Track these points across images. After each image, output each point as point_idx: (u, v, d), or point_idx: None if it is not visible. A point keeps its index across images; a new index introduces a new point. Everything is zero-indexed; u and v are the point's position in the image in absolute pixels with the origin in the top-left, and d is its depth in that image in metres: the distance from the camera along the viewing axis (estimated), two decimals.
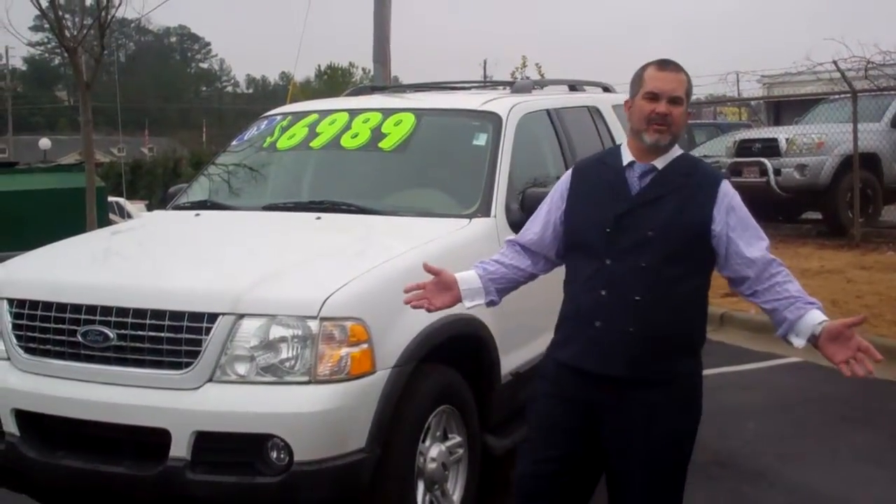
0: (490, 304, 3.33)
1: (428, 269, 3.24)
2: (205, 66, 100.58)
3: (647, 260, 3.04)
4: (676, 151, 3.19)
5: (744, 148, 14.20)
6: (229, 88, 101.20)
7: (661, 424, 3.09)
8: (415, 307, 3.25)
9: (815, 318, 3.00)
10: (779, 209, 14.24)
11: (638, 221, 3.07)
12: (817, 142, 13.03)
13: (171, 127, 74.42)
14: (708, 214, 3.08)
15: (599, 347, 3.08)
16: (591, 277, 3.11)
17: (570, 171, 3.36)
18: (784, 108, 19.64)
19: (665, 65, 3.13)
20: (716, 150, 16.27)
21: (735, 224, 3.10)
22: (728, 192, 3.13)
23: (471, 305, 3.30)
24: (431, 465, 3.99)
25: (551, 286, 4.87)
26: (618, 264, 3.06)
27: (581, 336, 3.13)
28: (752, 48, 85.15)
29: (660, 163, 3.14)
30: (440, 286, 3.24)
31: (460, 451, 4.18)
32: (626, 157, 3.18)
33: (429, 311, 3.27)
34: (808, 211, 14.47)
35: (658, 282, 3.04)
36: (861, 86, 13.59)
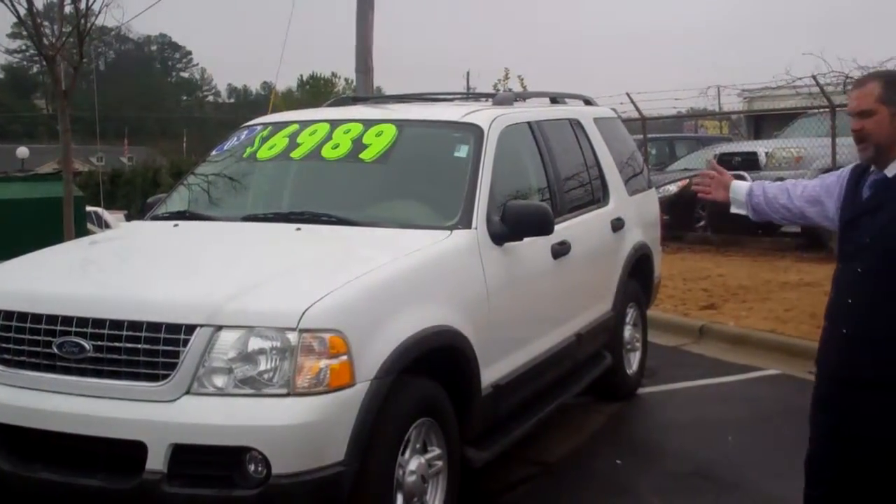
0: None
1: (714, 168, 3.82)
2: (185, 75, 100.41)
3: (862, 266, 3.13)
4: None
5: (724, 161, 14.18)
6: (210, 98, 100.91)
7: (878, 429, 3.20)
8: (697, 192, 3.88)
9: None
10: (758, 222, 14.25)
11: (859, 228, 3.17)
12: (796, 156, 13.11)
13: (151, 136, 74.04)
14: None
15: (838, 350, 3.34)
16: (835, 280, 3.31)
17: (849, 169, 3.42)
18: (764, 122, 19.76)
19: (855, 85, 3.27)
20: (696, 163, 16.35)
21: None
22: None
23: (735, 212, 3.82)
24: (411, 478, 3.96)
25: (532, 298, 4.89)
26: (843, 268, 3.22)
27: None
28: (733, 62, 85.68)
29: (891, 171, 3.17)
30: (720, 183, 3.78)
31: (440, 463, 4.16)
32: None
33: (705, 197, 3.84)
34: (787, 224, 14.54)
35: (870, 287, 3.11)
36: (840, 100, 13.68)
